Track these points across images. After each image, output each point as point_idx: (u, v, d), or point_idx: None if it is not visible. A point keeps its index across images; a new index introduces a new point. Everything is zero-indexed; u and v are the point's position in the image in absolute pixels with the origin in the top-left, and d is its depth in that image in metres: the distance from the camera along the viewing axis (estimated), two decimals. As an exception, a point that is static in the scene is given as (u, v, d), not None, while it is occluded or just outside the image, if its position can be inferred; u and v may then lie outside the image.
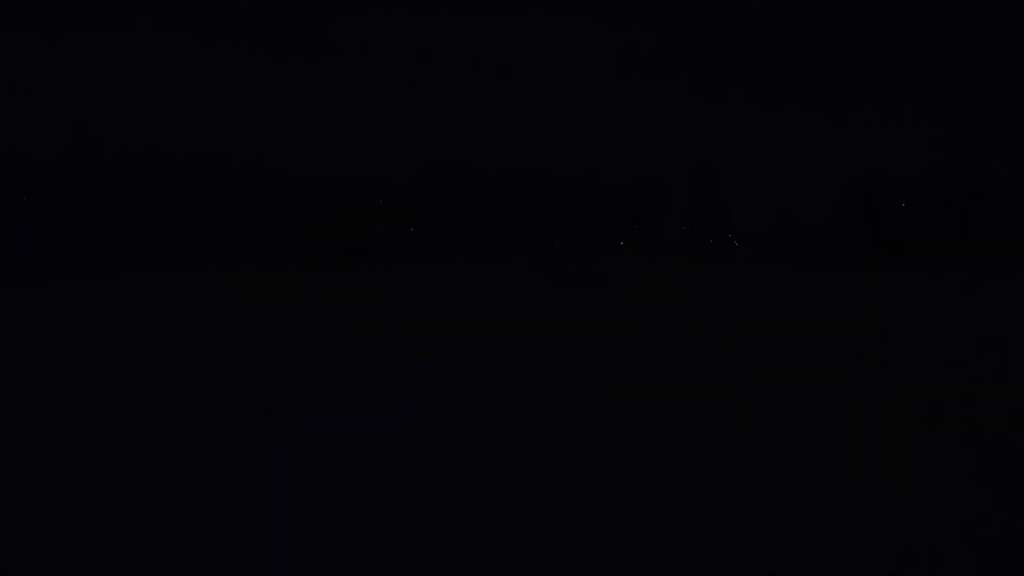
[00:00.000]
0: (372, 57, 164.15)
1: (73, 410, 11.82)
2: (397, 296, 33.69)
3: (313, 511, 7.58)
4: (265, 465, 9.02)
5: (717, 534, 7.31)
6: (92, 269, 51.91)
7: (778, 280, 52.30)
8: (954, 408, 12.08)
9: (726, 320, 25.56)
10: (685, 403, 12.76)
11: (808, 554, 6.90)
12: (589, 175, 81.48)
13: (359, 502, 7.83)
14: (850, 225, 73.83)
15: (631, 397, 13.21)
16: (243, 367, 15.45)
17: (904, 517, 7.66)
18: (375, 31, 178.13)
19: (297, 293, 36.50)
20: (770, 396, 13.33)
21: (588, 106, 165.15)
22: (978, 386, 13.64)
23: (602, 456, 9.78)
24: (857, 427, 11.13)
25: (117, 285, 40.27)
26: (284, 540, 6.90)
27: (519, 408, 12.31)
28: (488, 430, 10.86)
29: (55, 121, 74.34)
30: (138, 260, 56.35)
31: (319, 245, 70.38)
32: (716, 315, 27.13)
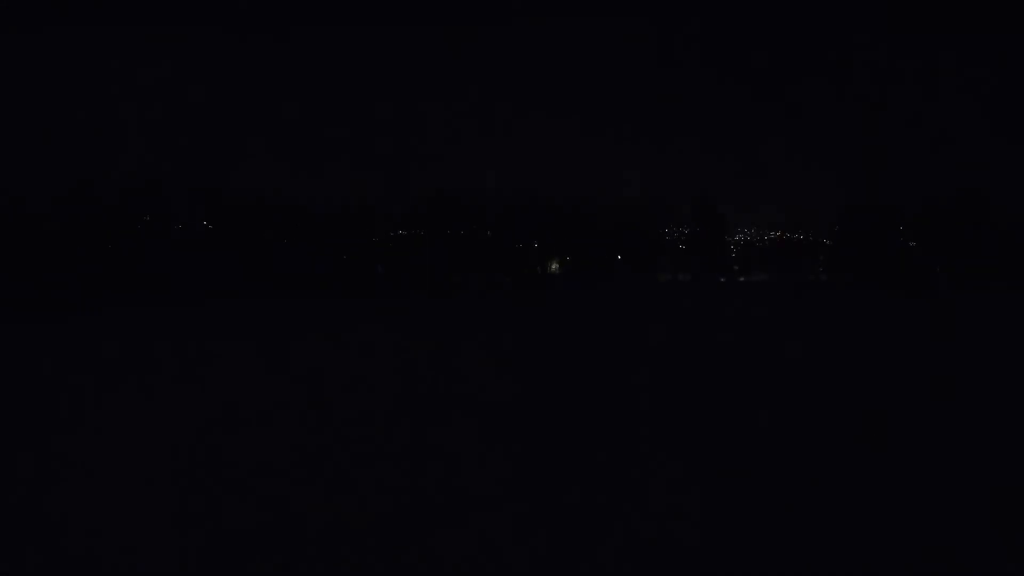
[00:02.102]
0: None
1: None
2: (396, 324, 34.14)
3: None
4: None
5: (717, 533, 7.73)
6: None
7: (773, 294, 52.96)
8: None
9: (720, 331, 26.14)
10: (679, 408, 13.23)
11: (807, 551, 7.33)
12: (588, 194, 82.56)
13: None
14: (848, 245, 74.02)
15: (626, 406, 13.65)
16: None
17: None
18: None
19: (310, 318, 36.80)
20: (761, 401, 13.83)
21: (586, 125, 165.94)
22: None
23: (599, 458, 10.20)
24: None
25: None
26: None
27: (522, 416, 12.75)
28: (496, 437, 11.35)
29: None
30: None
31: (327, 271, 70.31)
32: (710, 328, 27.72)
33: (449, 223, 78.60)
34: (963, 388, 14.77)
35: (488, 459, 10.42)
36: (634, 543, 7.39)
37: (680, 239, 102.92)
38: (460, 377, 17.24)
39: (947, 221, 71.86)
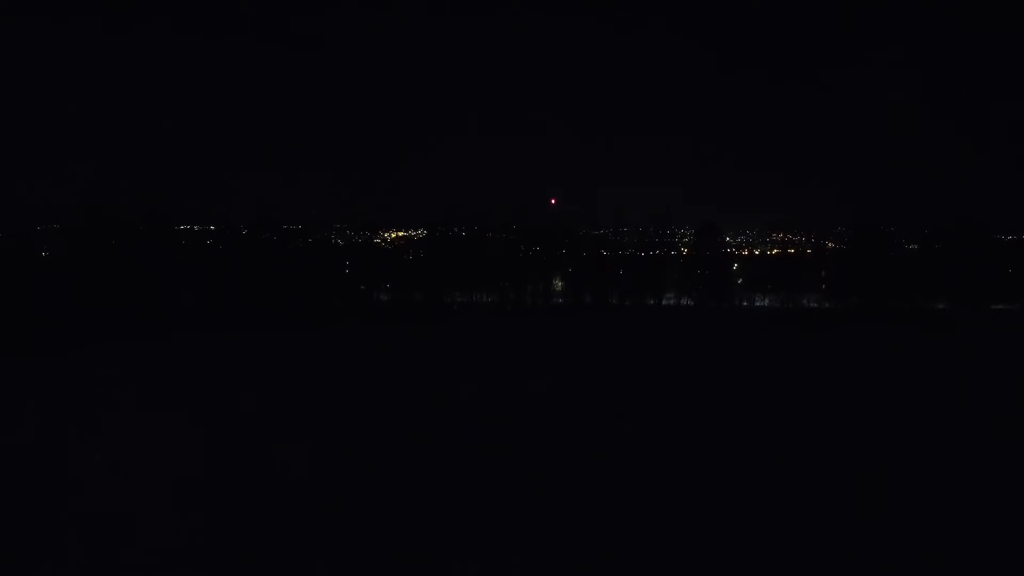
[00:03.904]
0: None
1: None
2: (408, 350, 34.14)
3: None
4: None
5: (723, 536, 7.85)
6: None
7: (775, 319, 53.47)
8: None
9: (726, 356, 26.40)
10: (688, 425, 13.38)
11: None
12: (589, 216, 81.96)
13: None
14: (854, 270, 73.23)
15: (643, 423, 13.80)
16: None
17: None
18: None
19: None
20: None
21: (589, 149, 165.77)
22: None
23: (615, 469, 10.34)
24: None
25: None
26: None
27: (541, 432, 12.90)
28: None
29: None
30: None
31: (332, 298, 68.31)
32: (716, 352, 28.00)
33: (445, 237, 77.77)
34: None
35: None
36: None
37: (681, 240, 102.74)
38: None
39: (949, 242, 71.84)
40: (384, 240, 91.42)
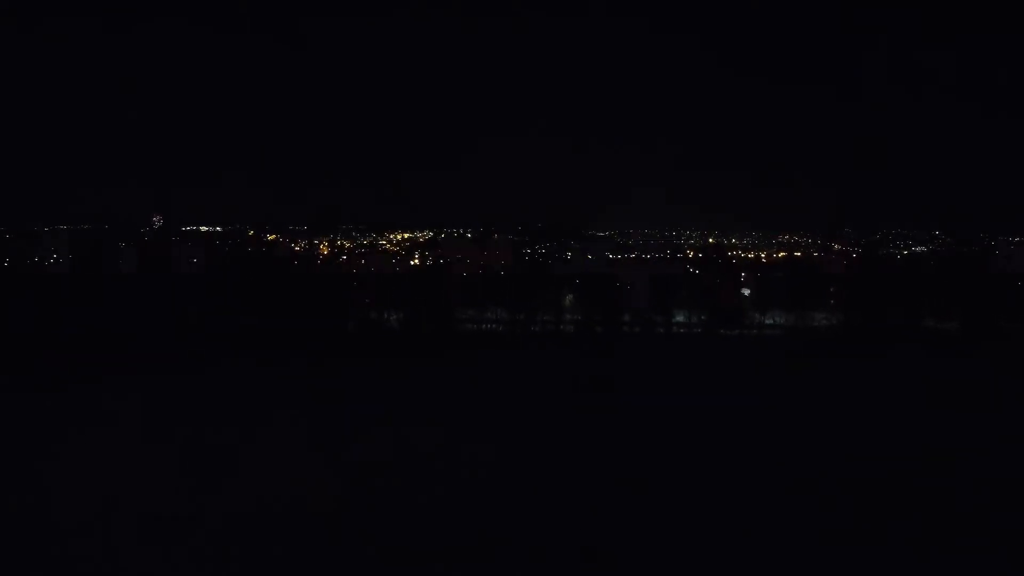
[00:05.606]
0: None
1: None
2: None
3: None
4: None
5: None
6: None
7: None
8: None
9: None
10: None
11: None
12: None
13: None
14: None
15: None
16: None
17: None
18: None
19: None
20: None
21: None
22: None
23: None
24: None
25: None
26: None
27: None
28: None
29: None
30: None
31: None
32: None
33: (451, 238, 76.98)
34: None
35: None
36: None
37: (686, 243, 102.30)
38: None
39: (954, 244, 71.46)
40: (390, 242, 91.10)
